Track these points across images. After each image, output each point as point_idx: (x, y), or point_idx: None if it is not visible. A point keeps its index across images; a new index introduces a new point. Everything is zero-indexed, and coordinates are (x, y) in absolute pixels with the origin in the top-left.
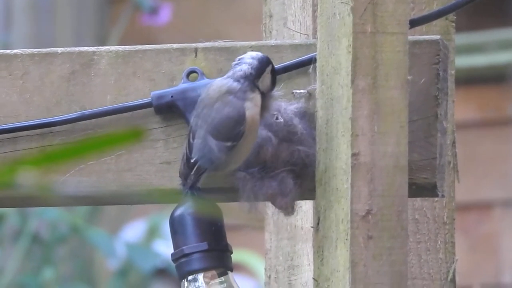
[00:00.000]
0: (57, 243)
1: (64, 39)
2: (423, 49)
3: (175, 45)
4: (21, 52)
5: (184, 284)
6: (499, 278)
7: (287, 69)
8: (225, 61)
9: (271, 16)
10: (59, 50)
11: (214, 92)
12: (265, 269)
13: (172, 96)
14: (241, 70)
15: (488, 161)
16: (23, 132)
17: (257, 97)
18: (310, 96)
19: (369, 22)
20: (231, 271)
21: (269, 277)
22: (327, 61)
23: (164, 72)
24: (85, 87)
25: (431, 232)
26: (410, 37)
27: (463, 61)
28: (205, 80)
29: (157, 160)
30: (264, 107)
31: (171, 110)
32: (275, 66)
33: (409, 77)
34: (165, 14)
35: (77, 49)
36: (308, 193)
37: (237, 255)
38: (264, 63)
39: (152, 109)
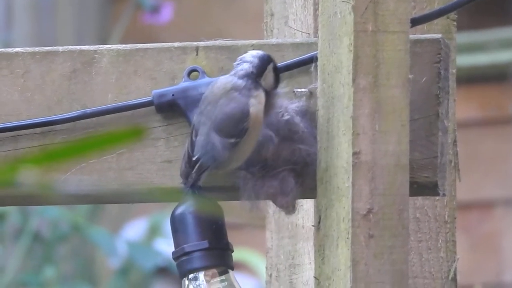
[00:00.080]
0: (58, 241)
1: (66, 38)
2: (424, 48)
3: (176, 44)
4: (22, 50)
5: (185, 283)
6: (500, 277)
7: (288, 67)
8: (226, 60)
9: (272, 15)
10: (60, 48)
11: (218, 89)
12: (266, 267)
13: (173, 95)
14: (242, 69)
15: (490, 160)
16: (24, 130)
17: (261, 94)
18: (311, 94)
19: (370, 21)
20: (232, 269)
21: (270, 275)
22: (328, 60)
23: (165, 71)
24: (86, 86)
25: (432, 231)
26: (411, 36)
27: (464, 60)
28: (206, 79)
29: (158, 159)
30: (268, 105)
31: (172, 108)
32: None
33: (410, 76)
34: (167, 13)
35: (78, 47)
36: (309, 191)
37: (238, 254)
38: (265, 61)
39: (153, 107)
